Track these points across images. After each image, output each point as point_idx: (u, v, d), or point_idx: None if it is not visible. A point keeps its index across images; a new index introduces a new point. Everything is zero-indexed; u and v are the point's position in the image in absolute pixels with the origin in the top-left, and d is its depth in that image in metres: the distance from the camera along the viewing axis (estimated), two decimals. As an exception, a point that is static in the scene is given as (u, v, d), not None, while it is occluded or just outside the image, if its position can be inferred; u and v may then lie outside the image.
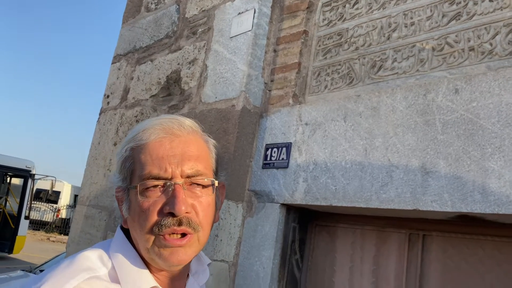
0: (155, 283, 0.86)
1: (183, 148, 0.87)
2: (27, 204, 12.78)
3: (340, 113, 1.80)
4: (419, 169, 1.49)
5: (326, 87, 1.99)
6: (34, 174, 12.90)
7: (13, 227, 12.14)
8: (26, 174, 12.84)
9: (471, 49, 1.54)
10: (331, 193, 1.72)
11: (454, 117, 1.45)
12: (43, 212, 21.63)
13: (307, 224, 2.02)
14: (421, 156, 1.49)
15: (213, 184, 0.90)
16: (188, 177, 0.86)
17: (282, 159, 1.96)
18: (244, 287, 1.91)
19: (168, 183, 0.84)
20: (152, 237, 0.83)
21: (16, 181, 13.50)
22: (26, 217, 12.82)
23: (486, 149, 1.35)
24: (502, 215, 1.28)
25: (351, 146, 1.71)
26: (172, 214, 0.82)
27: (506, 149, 1.30)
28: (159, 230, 0.82)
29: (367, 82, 1.83)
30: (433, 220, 1.60)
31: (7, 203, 13.05)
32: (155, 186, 0.84)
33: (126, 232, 0.91)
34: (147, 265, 0.88)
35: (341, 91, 1.91)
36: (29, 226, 14.99)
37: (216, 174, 0.96)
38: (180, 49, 2.67)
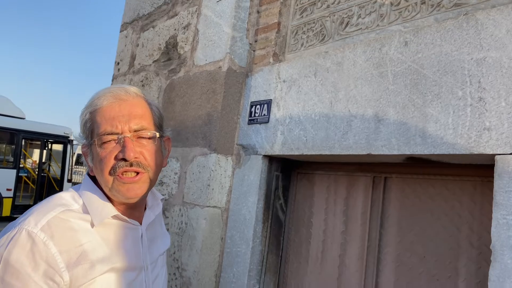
0: (116, 212, 1.11)
1: (129, 110, 1.11)
2: (68, 168, 13.64)
3: (311, 70, 1.95)
4: (373, 117, 1.64)
5: (302, 45, 2.12)
6: (72, 140, 13.65)
7: (58, 189, 13.03)
8: (65, 140, 13.63)
9: (423, 2, 1.63)
10: (302, 143, 1.90)
11: (403, 68, 1.57)
12: (85, 175, 22.85)
13: (290, 172, 2.22)
14: (375, 105, 1.64)
15: (155, 136, 1.14)
16: (135, 131, 1.10)
17: (264, 114, 2.14)
18: (235, 229, 2.16)
19: (120, 137, 1.08)
20: (111, 178, 1.07)
21: (57, 147, 14.34)
22: (69, 180, 13.72)
23: (427, 97, 1.48)
24: (438, 155, 1.43)
25: (320, 99, 1.87)
26: (124, 159, 1.06)
27: (443, 95, 1.43)
28: (114, 171, 1.07)
29: (336, 39, 1.95)
30: (392, 163, 1.76)
31: (51, 168, 13.96)
32: (109, 140, 1.08)
33: (93, 178, 1.15)
34: (110, 200, 1.13)
35: (314, 48, 2.05)
36: (73, 189, 15.92)
37: (161, 129, 1.18)
38: (176, 15, 2.83)
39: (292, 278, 2.12)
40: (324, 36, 2.01)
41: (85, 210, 1.09)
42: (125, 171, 1.07)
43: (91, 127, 1.10)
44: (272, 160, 2.14)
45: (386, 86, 1.62)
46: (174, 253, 2.32)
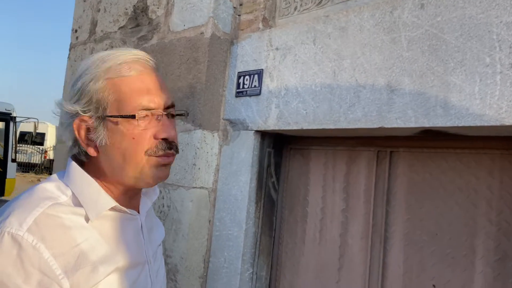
0: (115, 203, 0.93)
1: (161, 82, 0.97)
2: (12, 147, 12.74)
3: (309, 36, 1.78)
4: (385, 87, 1.51)
5: (296, 8, 1.94)
6: (15, 117, 12.71)
7: (1, 170, 12.17)
8: (6, 117, 12.64)
9: (438, -40, 1.50)
10: (302, 117, 1.75)
11: (419, 33, 1.44)
12: (30, 154, 21.61)
13: (282, 148, 2.07)
14: (387, 74, 1.51)
15: (183, 114, 1.07)
16: (168, 107, 0.96)
17: (255, 86, 1.96)
18: (224, 210, 2.00)
19: (157, 113, 0.94)
20: (145, 159, 0.92)
21: (-2, 125, 13.32)
22: (13, 160, 12.82)
23: (448, 64, 1.36)
24: (462, 127, 1.33)
25: (321, 69, 1.71)
26: (166, 140, 0.94)
27: (468, 63, 1.32)
28: (155, 152, 0.92)
29: (336, 2, 1.79)
30: (400, 136, 1.65)
31: (-8, 148, 12.98)
32: (144, 116, 0.92)
33: (79, 162, 0.96)
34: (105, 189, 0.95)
35: (310, 13, 1.87)
36: (18, 169, 15.05)
37: None
38: (145, -24, 2.54)
39: (287, 259, 2.00)
40: (322, -1, 1.84)
41: (77, 203, 0.90)
42: (167, 155, 0.94)
43: (112, 98, 0.91)
44: (265, 135, 1.97)
45: (399, 53, 1.49)
46: (156, 238, 2.12)
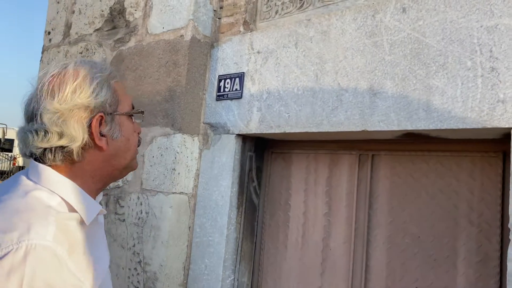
0: (100, 206, 0.97)
1: None
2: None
3: (291, 39, 1.77)
4: (368, 91, 1.51)
5: (277, 12, 1.93)
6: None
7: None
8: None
9: (419, -34, 1.52)
10: (284, 120, 1.74)
11: (401, 37, 1.46)
12: (-2, 161, 20.85)
13: (263, 152, 2.05)
14: (369, 78, 1.51)
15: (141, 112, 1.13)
16: None
17: (236, 89, 1.94)
18: (205, 216, 1.96)
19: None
20: (134, 152, 1.02)
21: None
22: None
23: (431, 67, 1.38)
24: (444, 130, 1.34)
25: (303, 72, 1.71)
26: (139, 133, 1.06)
27: (449, 66, 1.34)
28: (138, 144, 1.05)
29: (317, 5, 1.79)
30: (381, 140, 1.66)
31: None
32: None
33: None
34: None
35: (292, 16, 1.87)
36: (-15, 176, 14.47)
37: None
38: (122, -23, 2.49)
39: (269, 264, 1.97)
40: (303, 3, 1.83)
41: (70, 208, 0.87)
42: None
43: (118, 98, 0.98)
44: (246, 139, 1.95)
45: (381, 56, 1.49)
46: (133, 246, 2.06)
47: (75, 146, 0.88)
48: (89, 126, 0.90)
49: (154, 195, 2.02)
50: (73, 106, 0.88)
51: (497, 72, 1.24)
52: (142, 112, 1.06)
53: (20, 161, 21.33)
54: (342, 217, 1.77)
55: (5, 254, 0.71)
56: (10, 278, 0.71)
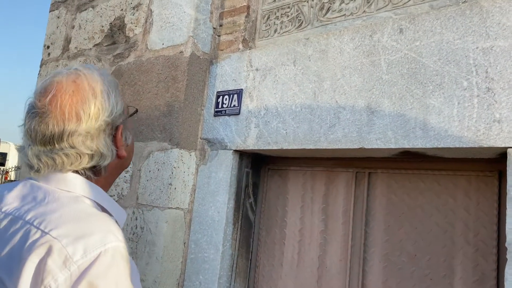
0: (125, 212, 1.03)
1: None
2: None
3: (289, 57, 1.80)
4: (365, 109, 1.53)
5: (275, 31, 1.96)
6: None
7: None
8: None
9: (416, -12, 1.55)
10: (282, 137, 1.75)
11: (399, 57, 1.48)
12: (-11, 175, 20.64)
13: (260, 168, 2.06)
14: (366, 96, 1.53)
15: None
16: None
17: (234, 106, 1.95)
18: (201, 232, 1.95)
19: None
20: None
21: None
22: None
23: (427, 87, 1.40)
24: (441, 149, 1.36)
25: (301, 89, 1.73)
26: None
27: (446, 86, 1.36)
28: None
29: (316, 25, 1.82)
30: (378, 158, 1.67)
31: None
32: None
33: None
34: None
35: (290, 35, 1.90)
36: (-25, 190, 14.27)
37: None
38: (123, -6, 2.52)
39: (264, 282, 1.96)
40: (302, 22, 1.87)
41: (106, 213, 0.91)
42: None
43: (124, 103, 1.02)
44: (243, 155, 1.95)
45: (379, 75, 1.52)
46: (127, 261, 2.03)
47: (105, 164, 0.91)
48: (113, 140, 0.94)
49: (149, 210, 2.01)
50: (99, 125, 0.90)
51: (493, 92, 1.27)
52: (137, 110, 1.12)
53: (12, 175, 21.12)
54: (339, 234, 1.77)
55: (97, 256, 0.74)
56: (107, 276, 0.74)
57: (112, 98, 0.94)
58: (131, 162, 1.10)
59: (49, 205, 0.82)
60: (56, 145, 0.85)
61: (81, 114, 0.86)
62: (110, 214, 0.91)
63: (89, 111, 0.87)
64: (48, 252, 0.72)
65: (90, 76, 0.92)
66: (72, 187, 0.88)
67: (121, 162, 0.99)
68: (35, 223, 0.78)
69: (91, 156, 0.88)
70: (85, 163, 0.87)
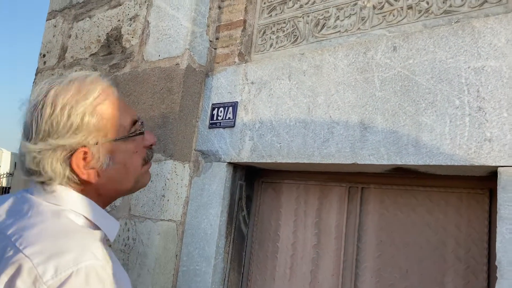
0: (118, 223, 0.97)
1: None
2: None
3: (285, 72, 1.81)
4: (358, 124, 1.54)
5: (271, 45, 1.98)
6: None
7: None
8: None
9: (409, 7, 1.58)
10: (276, 150, 1.75)
11: (392, 74, 1.50)
12: (-20, 181, 20.44)
13: (254, 181, 2.06)
14: (360, 112, 1.55)
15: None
16: None
17: (229, 118, 1.96)
18: (192, 245, 1.94)
19: (140, 122, 0.98)
20: (142, 168, 0.99)
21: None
22: None
23: (420, 104, 1.42)
24: (433, 166, 1.37)
25: (295, 104, 1.74)
26: (151, 146, 1.02)
27: (438, 104, 1.38)
28: (147, 161, 1.01)
29: (311, 41, 1.84)
30: (371, 173, 1.68)
31: None
32: (140, 130, 0.98)
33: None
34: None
35: (286, 50, 1.92)
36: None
37: None
38: (121, 5, 2.54)
39: (256, 296, 1.95)
40: (297, 38, 1.89)
41: (94, 227, 0.88)
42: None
43: (107, 124, 0.90)
44: (237, 168, 1.96)
45: (372, 92, 1.54)
46: (118, 273, 2.02)
47: (55, 183, 0.86)
48: (69, 162, 0.86)
49: (142, 221, 2.00)
50: (49, 146, 0.84)
51: (484, 111, 1.29)
52: (142, 125, 0.99)
53: (3, 182, 20.92)
54: (331, 249, 1.77)
55: (68, 277, 0.71)
56: None
57: (72, 118, 0.85)
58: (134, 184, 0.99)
59: (31, 219, 0.81)
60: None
61: (31, 132, 0.87)
62: (98, 228, 0.88)
63: (39, 131, 0.85)
64: (18, 271, 0.70)
65: (62, 89, 0.87)
66: (59, 200, 0.86)
67: (102, 185, 0.91)
68: (12, 239, 0.76)
69: (38, 173, 0.86)
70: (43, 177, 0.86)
